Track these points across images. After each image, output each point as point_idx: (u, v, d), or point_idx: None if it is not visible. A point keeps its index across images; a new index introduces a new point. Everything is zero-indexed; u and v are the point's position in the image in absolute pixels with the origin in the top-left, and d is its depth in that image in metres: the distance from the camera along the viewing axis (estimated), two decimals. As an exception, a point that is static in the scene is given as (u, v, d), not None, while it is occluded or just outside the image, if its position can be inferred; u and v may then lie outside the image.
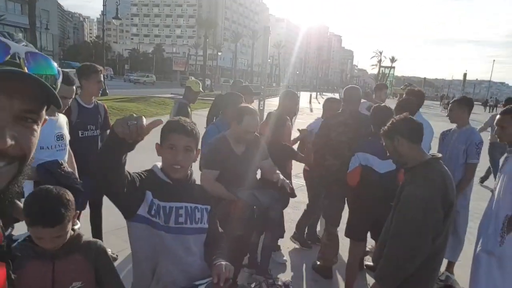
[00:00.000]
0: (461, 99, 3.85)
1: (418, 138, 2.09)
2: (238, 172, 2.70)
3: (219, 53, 61.96)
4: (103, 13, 23.95)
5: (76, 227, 2.00)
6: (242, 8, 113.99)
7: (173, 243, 1.57)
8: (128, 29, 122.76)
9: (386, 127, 2.16)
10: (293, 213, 4.82)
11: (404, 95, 4.26)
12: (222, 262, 1.55)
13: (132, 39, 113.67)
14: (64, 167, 2.45)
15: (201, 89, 4.53)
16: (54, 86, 0.61)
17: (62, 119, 2.74)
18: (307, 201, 4.29)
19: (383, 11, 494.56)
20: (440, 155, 2.11)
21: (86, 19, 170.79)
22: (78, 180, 2.49)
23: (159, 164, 1.67)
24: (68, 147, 2.76)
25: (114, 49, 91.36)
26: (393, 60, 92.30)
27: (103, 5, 21.56)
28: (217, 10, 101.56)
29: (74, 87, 2.72)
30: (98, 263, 1.56)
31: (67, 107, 2.77)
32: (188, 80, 4.66)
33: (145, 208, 1.54)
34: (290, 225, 4.32)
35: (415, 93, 4.15)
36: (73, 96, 2.74)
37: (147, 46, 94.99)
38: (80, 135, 3.16)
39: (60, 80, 0.65)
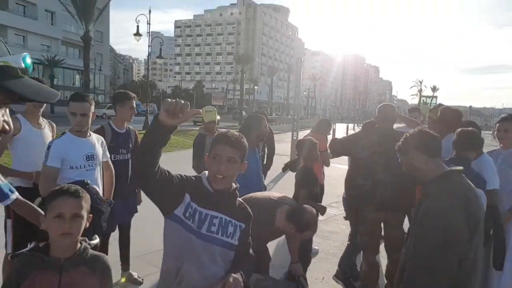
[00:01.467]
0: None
1: (434, 151, 1.92)
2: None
3: (256, 87, 64.56)
4: (149, 54, 26.61)
5: (94, 242, 1.95)
6: (278, 44, 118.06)
7: (200, 249, 1.60)
8: (171, 68, 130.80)
9: (400, 142, 2.01)
10: (323, 243, 4.52)
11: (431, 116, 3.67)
12: (233, 275, 1.56)
13: (175, 77, 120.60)
14: (89, 186, 2.41)
15: (216, 118, 4.39)
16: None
17: (95, 138, 2.76)
18: (338, 231, 4.01)
19: (422, 39, 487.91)
20: (461, 168, 1.91)
21: (135, 61, 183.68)
22: (103, 201, 2.48)
23: (207, 173, 1.70)
24: (100, 167, 2.76)
25: (158, 86, 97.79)
26: (434, 89, 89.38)
27: (148, 46, 24.22)
28: (254, 46, 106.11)
29: (86, 104, 2.62)
30: (102, 279, 1.56)
31: (84, 125, 2.66)
32: (201, 110, 4.25)
33: (181, 209, 1.58)
34: (323, 256, 4.14)
35: (448, 111, 3.48)
36: (89, 115, 2.64)
37: (188, 83, 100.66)
38: (112, 159, 3.18)
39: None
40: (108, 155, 2.98)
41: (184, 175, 1.66)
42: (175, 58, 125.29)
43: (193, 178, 1.69)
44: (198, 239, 1.59)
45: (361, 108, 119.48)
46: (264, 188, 3.55)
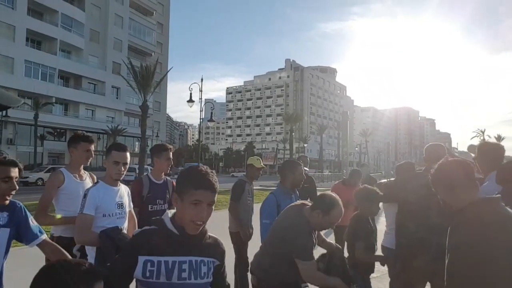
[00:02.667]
0: None
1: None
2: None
3: (305, 145, 64.92)
4: (200, 119, 28.29)
5: None
6: (327, 103, 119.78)
7: None
8: (223, 131, 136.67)
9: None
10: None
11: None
12: None
13: (226, 139, 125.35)
14: (123, 233, 2.51)
15: (262, 165, 4.61)
16: None
17: (123, 188, 2.83)
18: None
19: (479, 86, 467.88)
20: (498, 195, 1.71)
21: (190, 126, 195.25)
22: None
23: (170, 213, 1.59)
24: (127, 215, 2.83)
25: (211, 149, 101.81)
26: (499, 138, 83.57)
27: (200, 111, 25.88)
28: (303, 106, 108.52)
29: (128, 154, 2.76)
30: None
31: (123, 174, 2.75)
32: (250, 158, 4.79)
33: (138, 271, 1.48)
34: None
35: (485, 146, 3.05)
36: (127, 162, 2.74)
37: (239, 145, 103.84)
38: (149, 209, 3.26)
39: None
40: (132, 205, 3.00)
41: (130, 242, 1.65)
42: (227, 122, 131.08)
43: (144, 232, 1.57)
44: None
45: (419, 163, 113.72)
46: None
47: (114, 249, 2.37)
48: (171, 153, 3.47)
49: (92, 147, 3.10)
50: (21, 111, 34.23)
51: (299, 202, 2.77)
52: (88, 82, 45.24)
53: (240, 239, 4.25)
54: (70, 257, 2.06)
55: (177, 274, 1.49)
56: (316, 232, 2.62)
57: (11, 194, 1.99)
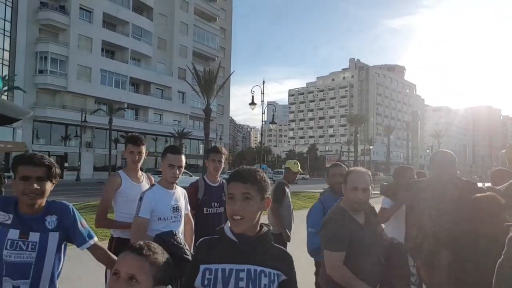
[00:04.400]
0: None
1: None
2: (365, 245, 2.24)
3: (371, 147, 61.94)
4: (262, 121, 28.11)
5: None
6: (394, 103, 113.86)
7: None
8: (286, 134, 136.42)
9: None
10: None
11: None
12: None
13: (289, 142, 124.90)
14: (177, 237, 2.47)
15: (299, 169, 4.65)
16: None
17: (180, 191, 2.83)
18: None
19: None
20: None
21: (253, 129, 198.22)
22: (189, 251, 2.51)
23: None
24: (183, 218, 2.81)
25: (273, 151, 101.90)
26: None
27: (262, 113, 25.66)
28: (368, 107, 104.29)
29: (183, 157, 2.75)
30: None
31: (178, 177, 2.75)
32: (287, 161, 4.86)
33: (198, 280, 1.45)
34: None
35: None
36: (182, 165, 2.73)
37: (302, 147, 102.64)
38: (205, 212, 3.29)
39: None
40: (189, 208, 3.00)
41: (194, 252, 1.59)
42: (289, 124, 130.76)
43: (205, 241, 1.56)
44: None
45: (502, 165, 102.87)
46: None
47: (168, 254, 2.21)
48: (220, 155, 3.43)
49: (140, 149, 3.02)
50: (98, 116, 36.92)
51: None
52: (156, 88, 47.55)
53: (282, 240, 4.20)
54: None
55: (234, 282, 1.42)
56: (367, 222, 2.34)
57: (35, 196, 1.83)
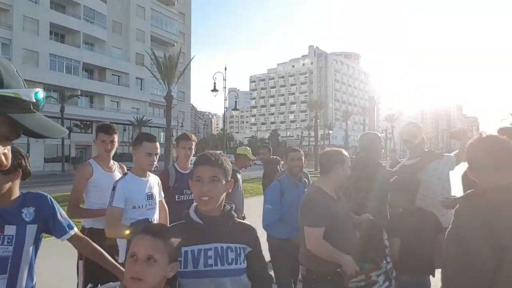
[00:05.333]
0: None
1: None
2: (340, 219, 2.44)
3: (330, 132, 63.53)
4: (225, 108, 27.79)
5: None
6: (351, 89, 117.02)
7: (211, 287, 1.52)
8: (247, 120, 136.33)
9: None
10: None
11: None
12: None
13: (251, 128, 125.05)
14: None
15: (253, 157, 5.00)
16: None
17: (153, 179, 2.82)
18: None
19: (506, 67, 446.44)
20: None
21: (214, 116, 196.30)
22: None
23: (195, 205, 1.66)
24: (158, 205, 2.81)
25: (235, 138, 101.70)
26: (530, 122, 79.68)
27: (224, 100, 25.32)
28: (327, 93, 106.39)
29: (158, 145, 2.74)
30: None
31: (154, 164, 2.77)
32: (241, 148, 5.11)
33: None
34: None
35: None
36: (157, 152, 2.73)
37: (264, 133, 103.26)
38: (176, 199, 3.30)
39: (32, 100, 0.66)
40: (163, 195, 2.99)
41: None
42: (251, 111, 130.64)
43: (172, 227, 1.65)
44: (201, 279, 1.51)
45: (446, 147, 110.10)
46: None
47: None
48: (191, 142, 3.47)
49: (112, 138, 2.99)
50: (47, 104, 34.55)
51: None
52: (112, 74, 45.37)
53: None
54: (102, 251, 1.99)
55: (203, 261, 1.53)
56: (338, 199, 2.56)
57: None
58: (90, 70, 43.66)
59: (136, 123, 42.13)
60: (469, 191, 1.67)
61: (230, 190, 1.64)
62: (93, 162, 2.99)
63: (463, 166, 2.50)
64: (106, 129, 2.99)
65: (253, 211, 4.98)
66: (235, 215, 1.66)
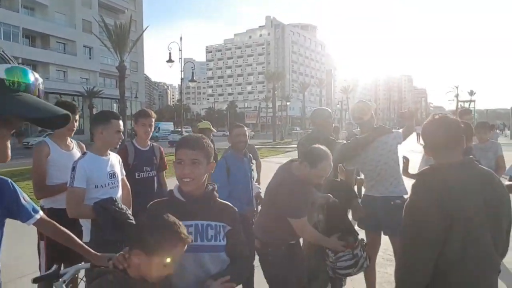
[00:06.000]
0: None
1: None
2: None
3: (288, 103, 64.25)
4: (181, 79, 27.09)
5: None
6: (308, 60, 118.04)
7: (189, 261, 1.58)
8: (204, 91, 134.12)
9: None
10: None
11: None
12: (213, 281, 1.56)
13: (208, 99, 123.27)
14: (118, 203, 2.48)
15: (213, 129, 5.42)
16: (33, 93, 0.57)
17: (114, 157, 2.78)
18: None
19: (456, 41, 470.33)
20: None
21: (169, 86, 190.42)
22: (132, 215, 2.55)
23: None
24: (120, 184, 2.78)
25: (192, 109, 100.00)
26: (471, 93, 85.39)
27: (181, 71, 24.66)
28: (284, 64, 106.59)
29: (121, 122, 2.72)
30: None
31: (121, 141, 2.79)
32: (204, 122, 5.59)
33: None
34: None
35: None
36: (121, 130, 2.70)
37: (221, 104, 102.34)
38: (137, 177, 3.24)
39: (41, 87, 0.64)
40: (124, 173, 2.94)
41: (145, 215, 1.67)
42: (208, 82, 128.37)
43: (156, 203, 1.72)
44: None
45: (397, 118, 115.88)
46: (254, 200, 3.59)
47: (111, 220, 2.38)
48: (151, 119, 3.38)
49: (76, 117, 2.93)
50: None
51: (289, 160, 2.76)
52: (57, 42, 42.12)
53: None
54: (69, 232, 1.97)
55: None
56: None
57: None
58: (31, 37, 40.21)
59: (86, 94, 40.00)
60: (425, 167, 1.80)
61: (212, 171, 1.72)
62: (49, 141, 2.88)
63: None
64: (68, 107, 2.75)
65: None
66: (217, 195, 1.74)
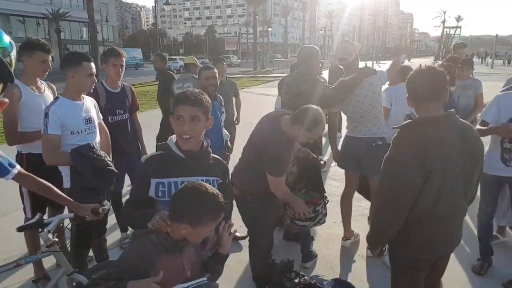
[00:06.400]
0: None
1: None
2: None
3: (269, 29, 61.64)
4: (155, 1, 25.09)
5: (106, 207, 2.20)
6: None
7: None
8: (181, 14, 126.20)
9: None
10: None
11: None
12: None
13: (185, 23, 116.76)
14: (96, 150, 2.45)
15: (199, 64, 5.05)
16: (7, 59, 0.57)
17: (89, 102, 2.68)
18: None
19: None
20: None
21: (143, 9, 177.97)
22: (111, 161, 2.55)
23: (174, 138, 1.72)
24: (97, 129, 2.70)
25: (169, 34, 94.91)
26: (458, 19, 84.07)
27: (154, -8, 22.64)
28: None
29: (92, 64, 2.54)
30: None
31: (94, 85, 2.66)
32: (189, 57, 5.54)
33: (152, 192, 1.67)
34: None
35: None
36: (93, 73, 2.53)
37: (199, 29, 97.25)
38: (110, 120, 3.14)
39: (13, 52, 0.60)
40: (101, 116, 2.85)
41: (141, 168, 1.72)
42: (184, 3, 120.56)
43: (153, 157, 1.73)
44: None
45: (381, 45, 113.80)
46: (227, 147, 3.58)
47: (89, 167, 2.36)
48: (122, 59, 3.18)
49: (50, 58, 2.73)
50: None
51: (278, 112, 2.60)
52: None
53: None
54: (48, 184, 2.03)
55: None
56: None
57: None
58: None
59: (51, 17, 36.90)
60: (407, 121, 1.81)
61: (210, 127, 1.73)
62: (19, 83, 2.66)
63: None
64: (42, 46, 2.67)
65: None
66: (211, 151, 1.79)
